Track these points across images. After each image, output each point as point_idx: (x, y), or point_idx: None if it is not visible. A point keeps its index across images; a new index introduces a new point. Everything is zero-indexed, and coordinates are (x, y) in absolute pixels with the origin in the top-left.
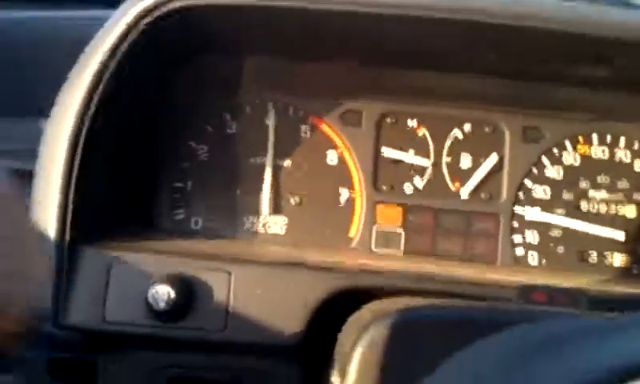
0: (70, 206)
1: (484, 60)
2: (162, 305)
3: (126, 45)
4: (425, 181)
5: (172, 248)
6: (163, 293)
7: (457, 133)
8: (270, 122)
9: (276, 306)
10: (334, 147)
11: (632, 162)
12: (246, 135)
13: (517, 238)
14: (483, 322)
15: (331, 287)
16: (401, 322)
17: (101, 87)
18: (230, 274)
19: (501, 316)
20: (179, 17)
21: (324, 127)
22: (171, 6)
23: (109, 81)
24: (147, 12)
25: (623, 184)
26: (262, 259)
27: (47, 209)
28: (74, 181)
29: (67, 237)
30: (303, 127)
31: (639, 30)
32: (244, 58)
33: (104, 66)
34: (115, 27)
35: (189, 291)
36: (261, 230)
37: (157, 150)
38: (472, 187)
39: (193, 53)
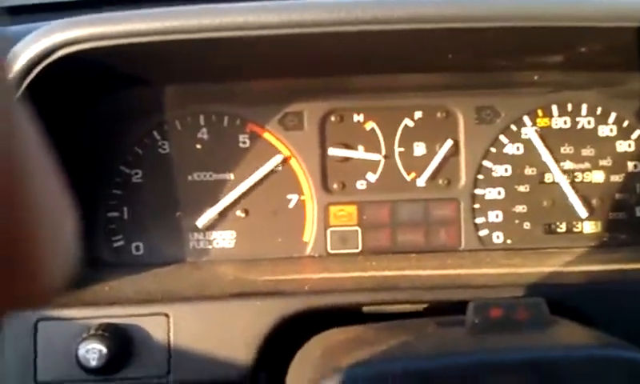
0: None
1: (434, 61)
2: (93, 363)
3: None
4: (378, 175)
5: (103, 294)
6: (93, 350)
7: (407, 122)
8: (204, 135)
9: (222, 340)
10: (277, 153)
11: (595, 127)
12: (180, 152)
13: (480, 220)
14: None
15: (280, 313)
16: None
17: None
18: (167, 316)
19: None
20: (71, 61)
21: (264, 134)
22: (57, 55)
23: None
24: (35, 63)
25: (588, 151)
26: (205, 292)
27: None
28: None
29: None
30: (241, 136)
31: (610, 14)
32: (165, 85)
33: None
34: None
35: (124, 340)
36: (208, 246)
37: (88, 181)
38: (428, 175)
39: (106, 86)
